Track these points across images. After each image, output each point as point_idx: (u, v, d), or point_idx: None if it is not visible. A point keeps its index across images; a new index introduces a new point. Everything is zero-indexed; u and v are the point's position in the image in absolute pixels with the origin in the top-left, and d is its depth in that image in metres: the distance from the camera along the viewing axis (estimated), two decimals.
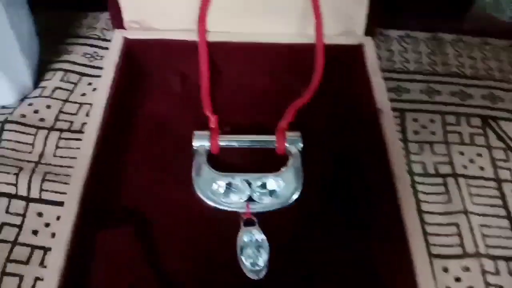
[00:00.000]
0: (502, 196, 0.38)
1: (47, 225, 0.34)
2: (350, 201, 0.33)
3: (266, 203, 0.31)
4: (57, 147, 0.38)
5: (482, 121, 0.42)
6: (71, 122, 0.40)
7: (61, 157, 0.38)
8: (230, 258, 0.29)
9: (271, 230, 0.30)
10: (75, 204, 0.29)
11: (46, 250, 0.33)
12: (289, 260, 0.30)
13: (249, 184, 0.32)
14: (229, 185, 0.32)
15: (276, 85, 0.39)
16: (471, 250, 0.34)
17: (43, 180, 0.36)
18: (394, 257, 0.29)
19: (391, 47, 0.48)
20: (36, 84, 0.42)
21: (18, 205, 0.35)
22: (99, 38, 0.47)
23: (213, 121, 0.35)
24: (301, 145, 0.34)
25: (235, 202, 0.31)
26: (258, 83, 0.39)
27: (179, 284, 0.29)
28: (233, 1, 0.37)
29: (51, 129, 0.39)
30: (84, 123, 0.40)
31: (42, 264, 0.32)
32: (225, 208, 0.31)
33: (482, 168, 0.39)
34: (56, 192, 0.35)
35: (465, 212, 0.36)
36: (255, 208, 0.31)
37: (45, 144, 0.38)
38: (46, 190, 0.35)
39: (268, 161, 0.34)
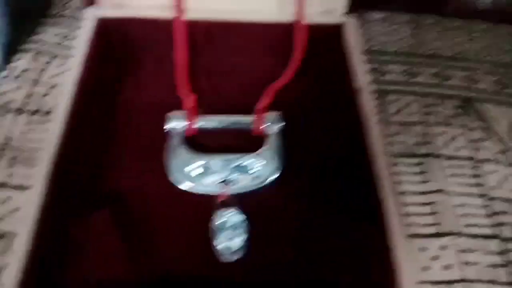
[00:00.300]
0: (479, 175, 0.38)
1: (16, 210, 0.33)
2: (329, 182, 0.33)
3: (244, 184, 0.31)
4: (26, 130, 0.37)
5: (462, 102, 0.43)
6: (41, 104, 0.39)
7: (30, 140, 0.36)
8: (207, 240, 0.29)
9: (249, 212, 0.30)
10: (40, 187, 0.27)
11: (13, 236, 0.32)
12: (269, 241, 0.30)
13: (227, 165, 0.31)
14: (206, 167, 0.31)
15: (255, 65, 0.38)
16: (447, 229, 0.35)
17: (11, 164, 0.34)
18: (372, 237, 0.29)
19: (372, 28, 0.48)
20: (4, 65, 0.41)
21: None
22: (72, 17, 0.45)
23: (190, 101, 0.34)
24: (280, 125, 0.33)
25: (212, 183, 0.31)
26: (237, 63, 0.38)
27: (155, 269, 0.28)
28: None
29: (20, 111, 0.38)
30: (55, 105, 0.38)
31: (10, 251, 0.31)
32: (201, 190, 0.31)
33: (460, 149, 0.40)
34: (24, 176, 0.34)
35: (443, 191, 0.36)
36: (233, 189, 0.31)
37: (13, 127, 0.37)
38: (14, 175, 0.34)
39: (247, 143, 0.33)
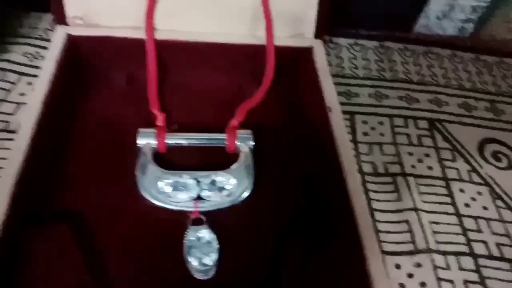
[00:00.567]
0: (450, 194, 0.39)
1: None
2: (300, 199, 0.32)
3: (215, 201, 0.30)
4: None
5: (429, 124, 0.44)
6: (8, 122, 0.37)
7: None
8: (177, 259, 0.28)
9: (221, 229, 0.29)
10: (3, 205, 0.26)
11: None
12: (239, 260, 0.29)
13: (198, 182, 0.30)
14: (176, 183, 0.30)
15: (226, 85, 0.38)
16: (422, 247, 0.35)
17: None
18: (347, 255, 0.29)
19: (341, 54, 0.49)
20: None
21: None
22: (41, 38, 0.45)
23: (160, 119, 0.34)
24: (252, 143, 0.33)
25: (182, 200, 0.30)
26: (207, 83, 0.38)
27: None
28: None
29: None
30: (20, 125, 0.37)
31: None
32: (172, 208, 0.30)
33: (430, 168, 0.40)
34: None
35: (415, 209, 0.37)
36: (204, 206, 0.30)
37: None
38: None
39: (218, 161, 0.32)
